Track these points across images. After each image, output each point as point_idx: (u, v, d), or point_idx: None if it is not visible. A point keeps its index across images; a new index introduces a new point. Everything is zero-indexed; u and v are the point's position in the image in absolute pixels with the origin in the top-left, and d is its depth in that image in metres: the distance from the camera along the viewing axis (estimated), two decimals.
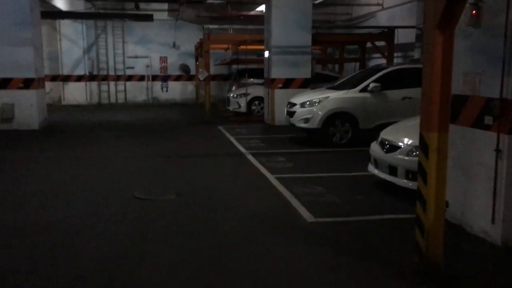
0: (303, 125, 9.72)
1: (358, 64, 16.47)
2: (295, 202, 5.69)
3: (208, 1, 14.36)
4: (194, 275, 3.77)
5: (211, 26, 18.32)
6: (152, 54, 20.77)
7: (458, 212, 4.74)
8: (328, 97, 9.63)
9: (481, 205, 4.39)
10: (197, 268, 3.88)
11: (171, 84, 21.22)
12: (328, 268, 3.90)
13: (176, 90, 21.27)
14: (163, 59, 20.97)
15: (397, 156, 5.77)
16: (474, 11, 4.25)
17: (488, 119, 4.22)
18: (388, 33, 14.64)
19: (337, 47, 18.27)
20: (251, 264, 3.97)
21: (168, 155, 8.91)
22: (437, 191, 3.55)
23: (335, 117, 9.49)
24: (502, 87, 4.05)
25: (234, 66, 16.89)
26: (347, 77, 11.31)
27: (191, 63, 20.78)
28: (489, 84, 4.22)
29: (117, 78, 20.56)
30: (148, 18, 16.48)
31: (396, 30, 14.68)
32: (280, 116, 12.02)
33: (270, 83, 13.05)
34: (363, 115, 9.44)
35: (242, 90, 14.83)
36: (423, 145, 3.55)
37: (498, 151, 4.12)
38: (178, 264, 3.97)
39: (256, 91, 14.57)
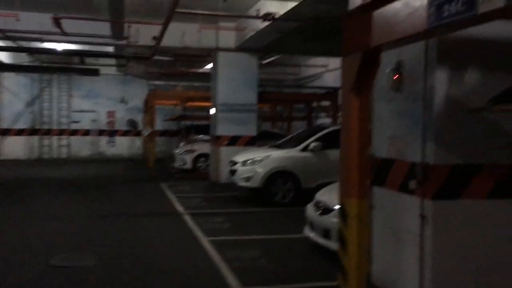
0: (244, 183, 9.51)
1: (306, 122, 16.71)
2: (224, 269, 5.34)
3: (155, 58, 14.28)
4: None
5: (158, 82, 18.27)
6: (99, 108, 20.39)
7: (389, 279, 4.55)
8: (269, 156, 9.53)
9: (410, 273, 4.21)
10: None
11: (119, 139, 20.76)
12: None
13: (124, 145, 20.80)
14: (111, 114, 20.59)
15: (331, 219, 5.60)
16: (395, 76, 4.29)
17: (412, 184, 4.14)
18: (332, 93, 15.03)
19: (285, 106, 18.56)
20: None
21: (99, 215, 8.39)
22: (359, 261, 3.36)
23: (277, 176, 9.35)
24: (424, 152, 4.01)
25: (184, 122, 16.76)
26: (290, 136, 11.34)
27: (140, 118, 20.48)
28: (413, 148, 4.18)
29: (61, 132, 19.89)
30: (94, 72, 16.12)
31: (340, 90, 15.09)
32: (225, 174, 11.77)
33: (216, 140, 12.89)
34: (305, 174, 9.35)
35: (188, 147, 14.61)
36: (342, 212, 3.39)
37: (422, 216, 4.02)
38: None
39: (203, 148, 14.37)
